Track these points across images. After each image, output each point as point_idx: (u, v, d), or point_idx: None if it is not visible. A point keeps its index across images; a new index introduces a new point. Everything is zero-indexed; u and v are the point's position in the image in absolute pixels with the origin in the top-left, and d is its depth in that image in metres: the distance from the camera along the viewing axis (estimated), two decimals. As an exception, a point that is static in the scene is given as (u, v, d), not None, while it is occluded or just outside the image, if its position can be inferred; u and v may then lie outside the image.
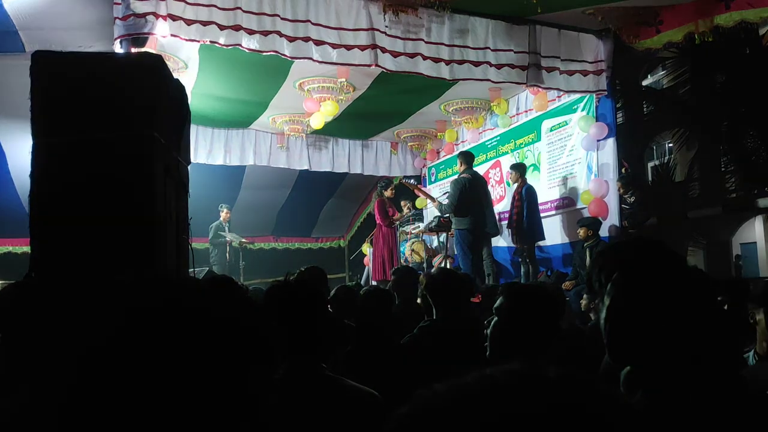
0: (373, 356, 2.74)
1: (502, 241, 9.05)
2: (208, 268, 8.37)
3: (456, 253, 8.13)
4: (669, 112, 12.59)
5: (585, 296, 5.85)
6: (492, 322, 2.06)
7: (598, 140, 7.92)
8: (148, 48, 5.65)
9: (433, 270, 7.34)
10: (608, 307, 1.35)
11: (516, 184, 8.39)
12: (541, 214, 8.80)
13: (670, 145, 14.68)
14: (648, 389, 1.22)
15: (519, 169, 8.51)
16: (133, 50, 5.43)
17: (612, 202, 7.72)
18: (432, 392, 0.51)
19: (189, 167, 3.98)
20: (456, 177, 8.37)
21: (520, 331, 1.99)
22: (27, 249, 3.09)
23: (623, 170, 7.95)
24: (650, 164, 15.33)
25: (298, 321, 1.78)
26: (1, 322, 1.43)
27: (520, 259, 8.35)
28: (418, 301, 5.10)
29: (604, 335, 1.39)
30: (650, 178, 14.20)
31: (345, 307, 3.57)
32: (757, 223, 14.30)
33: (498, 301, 2.07)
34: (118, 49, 5.50)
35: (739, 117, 10.95)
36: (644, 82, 14.78)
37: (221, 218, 10.45)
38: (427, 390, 0.52)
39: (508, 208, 8.60)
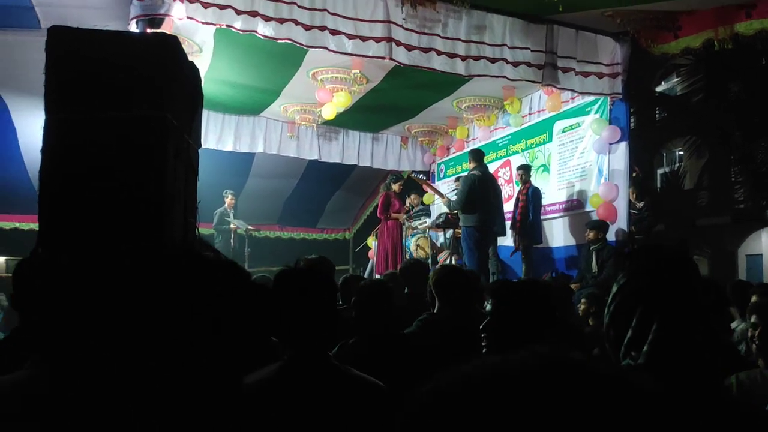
0: (370, 348, 2.73)
1: (507, 240, 9.03)
2: (215, 250, 8.36)
3: (462, 250, 8.10)
4: (681, 120, 12.53)
5: (583, 300, 5.79)
6: (484, 322, 2.06)
7: (611, 144, 7.88)
8: (163, 30, 5.63)
9: (441, 264, 7.33)
10: (609, 305, 1.40)
11: (522, 185, 8.40)
12: (549, 216, 8.80)
13: (681, 152, 14.61)
14: None
15: (526, 169, 8.52)
16: (149, 31, 5.42)
17: (621, 206, 7.69)
18: (444, 376, 0.50)
19: (199, 152, 3.97)
20: (466, 174, 8.35)
21: (512, 327, 1.98)
22: (34, 226, 3.08)
23: (634, 175, 7.91)
24: (660, 171, 15.27)
25: (309, 308, 1.76)
26: (18, 300, 1.42)
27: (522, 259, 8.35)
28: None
29: (605, 331, 1.42)
30: (659, 185, 14.15)
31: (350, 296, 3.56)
32: (764, 235, 14.23)
33: (488, 301, 2.08)
34: (133, 29, 5.49)
35: (752, 127, 10.88)
36: (658, 88, 14.70)
37: (226, 204, 10.44)
38: (439, 375, 0.51)
39: (513, 208, 8.59)
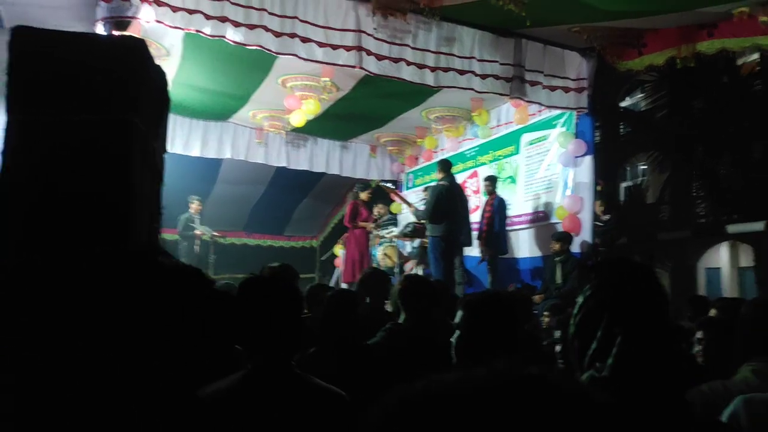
0: (339, 357, 2.72)
1: (473, 251, 9.10)
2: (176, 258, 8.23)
3: (429, 259, 8.14)
4: (644, 134, 12.79)
5: (546, 313, 5.86)
6: (455, 335, 2.08)
7: (576, 157, 8.00)
8: (130, 32, 5.56)
9: (407, 274, 7.34)
10: (574, 316, 1.42)
11: (488, 196, 8.48)
12: (515, 227, 8.89)
13: (644, 167, 14.91)
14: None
15: (492, 180, 8.61)
16: (115, 33, 5.34)
17: (585, 219, 7.81)
18: (410, 389, 0.51)
19: (165, 157, 3.92)
20: (434, 184, 8.39)
21: (481, 340, 2.01)
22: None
23: (598, 188, 8.05)
24: (623, 184, 15.55)
25: (273, 317, 1.75)
26: None
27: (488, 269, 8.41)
28: (386, 304, 5.10)
29: (569, 342, 1.44)
30: (623, 198, 14.40)
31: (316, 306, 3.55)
32: (723, 249, 14.58)
33: (458, 315, 2.10)
34: (100, 31, 5.40)
35: (714, 144, 11.16)
36: (622, 104, 14.99)
37: (191, 210, 10.30)
38: (405, 387, 0.51)
39: (479, 219, 8.66)
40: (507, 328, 2.04)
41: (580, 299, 1.44)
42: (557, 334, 2.67)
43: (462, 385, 0.48)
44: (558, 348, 3.81)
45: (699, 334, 2.91)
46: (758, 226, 9.99)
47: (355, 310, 2.94)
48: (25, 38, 2.87)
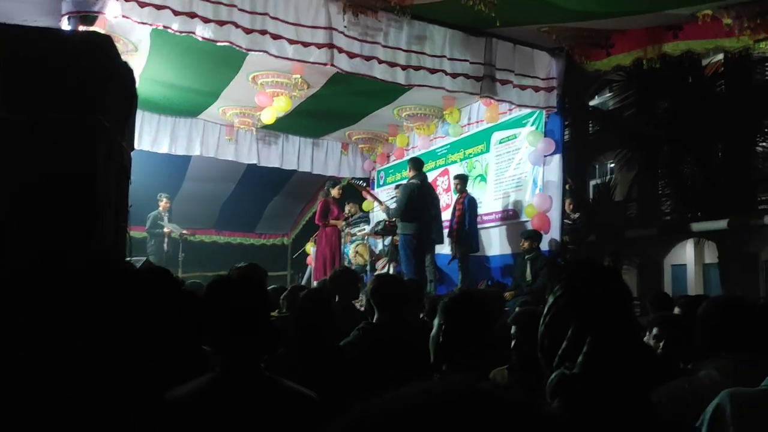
0: (310, 358, 2.71)
1: (445, 249, 9.15)
2: (145, 258, 8.15)
3: (400, 257, 8.16)
4: (613, 133, 12.96)
5: (517, 308, 5.92)
6: (432, 333, 2.10)
7: (545, 156, 8.09)
8: (97, 27, 5.46)
9: (379, 273, 7.35)
10: (544, 315, 1.45)
11: (459, 194, 8.53)
12: (486, 225, 8.96)
13: (612, 165, 15.12)
14: (566, 399, 1.28)
15: (463, 179, 8.65)
16: (81, 28, 5.24)
17: (555, 217, 7.90)
18: (370, 405, 0.52)
19: (132, 154, 3.86)
20: (405, 182, 8.41)
21: (457, 338, 2.03)
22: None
23: (567, 187, 8.15)
24: (592, 182, 15.74)
25: (241, 319, 1.74)
26: None
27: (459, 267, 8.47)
28: (356, 303, 5.10)
29: (538, 338, 1.46)
30: (591, 196, 14.59)
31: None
32: (689, 246, 14.86)
33: (437, 315, 2.12)
34: (65, 26, 5.30)
35: (678, 143, 11.37)
36: (591, 102, 15.18)
37: (160, 208, 10.18)
38: (366, 402, 0.53)
39: (450, 217, 8.71)
40: (481, 325, 2.07)
41: (550, 299, 1.47)
42: (513, 329, 2.70)
43: (416, 402, 0.50)
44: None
45: (655, 330, 2.97)
46: (721, 224, 10.20)
47: (329, 309, 2.93)
48: (-14, 34, 2.81)
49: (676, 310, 4.04)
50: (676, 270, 15.41)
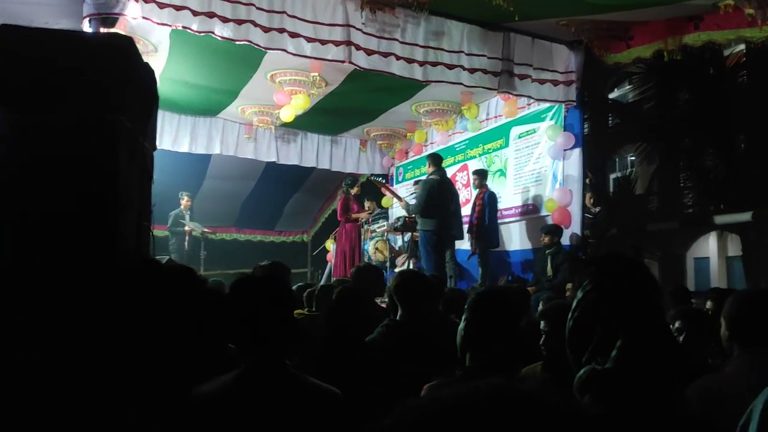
0: (339, 355, 2.73)
1: (465, 244, 9.14)
2: (168, 257, 8.23)
3: (420, 253, 8.16)
4: (633, 126, 12.83)
5: (541, 303, 5.91)
6: (459, 328, 2.09)
7: (565, 150, 8.04)
8: (117, 29, 5.52)
9: (400, 269, 7.36)
10: (572, 311, 1.43)
11: (478, 190, 8.49)
12: (506, 220, 8.92)
13: (632, 158, 14.97)
14: (598, 394, 1.27)
15: (481, 174, 8.61)
16: (102, 30, 5.30)
17: (575, 211, 7.84)
18: (410, 406, 0.52)
19: (154, 153, 3.90)
20: (424, 178, 8.40)
21: (483, 335, 2.03)
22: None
23: (587, 181, 8.09)
24: (612, 176, 15.61)
25: (265, 317, 1.76)
26: None
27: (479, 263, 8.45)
28: (378, 299, 5.11)
29: (566, 334, 1.45)
30: (612, 190, 14.46)
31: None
32: (711, 239, 14.69)
33: (465, 311, 2.11)
34: (86, 28, 5.37)
35: (700, 135, 11.22)
36: (611, 95, 15.04)
37: (182, 206, 10.28)
38: (406, 403, 0.53)
39: (469, 213, 8.68)
40: (506, 322, 2.06)
41: (578, 294, 1.45)
42: (542, 324, 2.69)
43: (457, 403, 0.50)
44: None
45: (678, 324, 2.94)
46: (745, 216, 10.05)
47: (360, 306, 2.95)
48: (10, 37, 2.85)
49: (708, 304, 4.01)
50: (699, 263, 15.24)
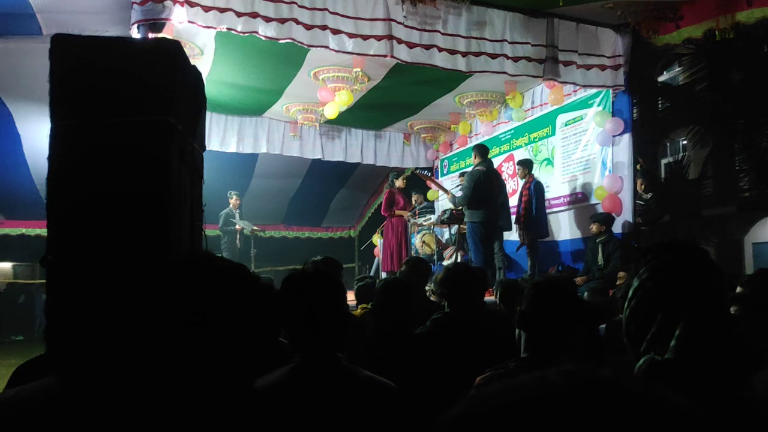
0: (390, 347, 2.74)
1: (513, 235, 9.05)
2: (221, 256, 8.38)
3: (468, 245, 8.11)
4: (684, 109, 12.45)
5: (586, 294, 5.83)
6: (518, 317, 2.08)
7: (614, 136, 7.88)
8: (164, 34, 5.66)
9: (448, 263, 7.33)
10: (629, 300, 1.40)
11: (524, 180, 8.38)
12: (554, 209, 8.79)
13: (685, 142, 14.55)
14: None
15: (527, 164, 8.49)
16: (150, 36, 5.43)
17: (626, 198, 7.68)
18: (483, 395, 0.50)
19: (203, 154, 3.98)
20: (471, 169, 8.35)
21: (540, 325, 2.01)
22: (40, 231, 3.10)
23: (638, 167, 7.91)
24: (664, 161, 15.21)
25: (317, 312, 1.77)
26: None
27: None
28: (427, 292, 5.11)
29: (623, 324, 1.42)
30: (663, 175, 14.09)
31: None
32: (771, 222, 14.18)
33: (524, 302, 2.09)
34: (135, 34, 5.51)
35: (755, 116, 10.82)
36: (660, 78, 14.64)
37: (231, 205, 10.47)
38: (478, 392, 0.51)
39: (516, 203, 8.59)
40: (569, 313, 2.03)
41: (635, 283, 1.42)
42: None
43: (535, 392, 0.48)
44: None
45: (732, 310, 2.84)
46: (806, 198, 9.69)
47: (408, 299, 2.95)
48: (64, 45, 2.94)
49: (739, 290, 3.86)
50: (758, 248, 14.73)
